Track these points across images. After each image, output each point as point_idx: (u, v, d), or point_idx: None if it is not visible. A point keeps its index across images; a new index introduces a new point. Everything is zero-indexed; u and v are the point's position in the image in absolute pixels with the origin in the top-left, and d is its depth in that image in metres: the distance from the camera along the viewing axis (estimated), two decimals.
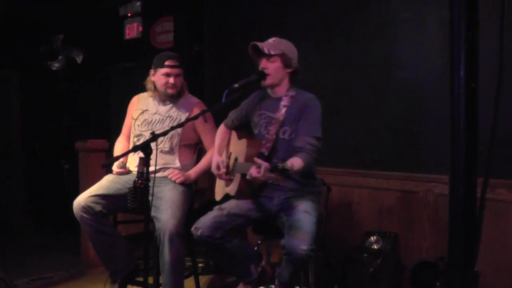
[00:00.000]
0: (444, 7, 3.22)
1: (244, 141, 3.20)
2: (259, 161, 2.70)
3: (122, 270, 3.50)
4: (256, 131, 3.26)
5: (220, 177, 3.26)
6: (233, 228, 3.11)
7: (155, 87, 3.57)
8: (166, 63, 3.49)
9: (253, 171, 2.77)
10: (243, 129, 3.42)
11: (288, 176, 2.66)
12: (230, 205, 3.18)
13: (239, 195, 3.14)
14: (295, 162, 2.82)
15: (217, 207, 3.18)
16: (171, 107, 3.59)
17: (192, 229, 3.07)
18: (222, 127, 3.50)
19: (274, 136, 3.12)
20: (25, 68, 6.49)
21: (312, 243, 2.79)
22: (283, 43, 3.18)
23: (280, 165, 2.56)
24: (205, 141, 3.62)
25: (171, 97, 3.57)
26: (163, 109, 3.60)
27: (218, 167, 3.25)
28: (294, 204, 3.04)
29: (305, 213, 2.95)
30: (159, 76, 3.52)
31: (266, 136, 3.15)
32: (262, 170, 2.62)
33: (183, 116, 3.53)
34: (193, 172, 3.52)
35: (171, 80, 3.49)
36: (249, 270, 3.27)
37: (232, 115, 3.44)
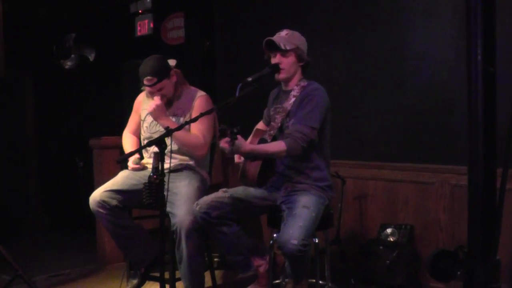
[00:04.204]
0: None
1: (255, 130, 3.27)
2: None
3: (144, 259, 3.53)
4: (269, 124, 3.28)
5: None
6: (232, 211, 3.12)
7: None
8: (145, 82, 3.40)
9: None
10: None
11: (235, 138, 2.71)
12: (236, 190, 3.22)
13: (241, 179, 3.16)
14: (275, 144, 2.98)
15: (223, 189, 3.22)
16: (175, 105, 3.55)
17: (194, 205, 3.12)
18: (260, 122, 3.50)
19: (279, 124, 3.14)
20: (38, 68, 6.51)
21: (305, 238, 2.79)
22: (296, 37, 3.18)
23: (221, 127, 2.66)
24: (193, 128, 3.46)
25: (166, 104, 3.50)
26: (168, 108, 3.55)
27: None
28: (297, 198, 3.05)
29: (303, 208, 2.95)
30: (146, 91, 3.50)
31: (272, 124, 3.18)
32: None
33: (187, 113, 3.51)
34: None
35: (156, 96, 3.41)
36: (248, 263, 3.27)
37: (264, 112, 3.48)
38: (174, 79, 3.49)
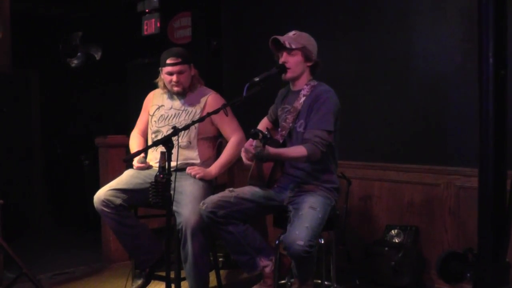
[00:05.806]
0: None
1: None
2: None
3: (149, 259, 3.53)
4: (280, 124, 3.28)
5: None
6: (239, 211, 3.14)
7: (165, 84, 3.59)
8: (168, 61, 3.47)
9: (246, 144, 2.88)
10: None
11: (266, 143, 2.74)
12: (243, 190, 3.23)
13: (250, 180, 3.16)
14: (296, 149, 2.98)
15: (229, 188, 3.24)
16: (186, 101, 3.59)
17: (200, 204, 3.14)
18: (265, 118, 3.53)
19: (290, 125, 3.15)
20: (44, 66, 6.53)
21: (311, 239, 2.79)
22: (304, 37, 3.19)
23: (254, 130, 2.68)
24: (225, 131, 3.60)
25: (179, 94, 3.57)
26: (178, 103, 3.59)
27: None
28: (304, 199, 3.05)
29: (310, 209, 2.96)
30: (164, 75, 3.52)
31: (283, 124, 3.18)
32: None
33: (198, 109, 3.53)
34: (214, 167, 3.51)
35: (174, 78, 3.47)
36: (254, 263, 3.27)
37: (270, 109, 3.49)
38: (193, 72, 3.58)
